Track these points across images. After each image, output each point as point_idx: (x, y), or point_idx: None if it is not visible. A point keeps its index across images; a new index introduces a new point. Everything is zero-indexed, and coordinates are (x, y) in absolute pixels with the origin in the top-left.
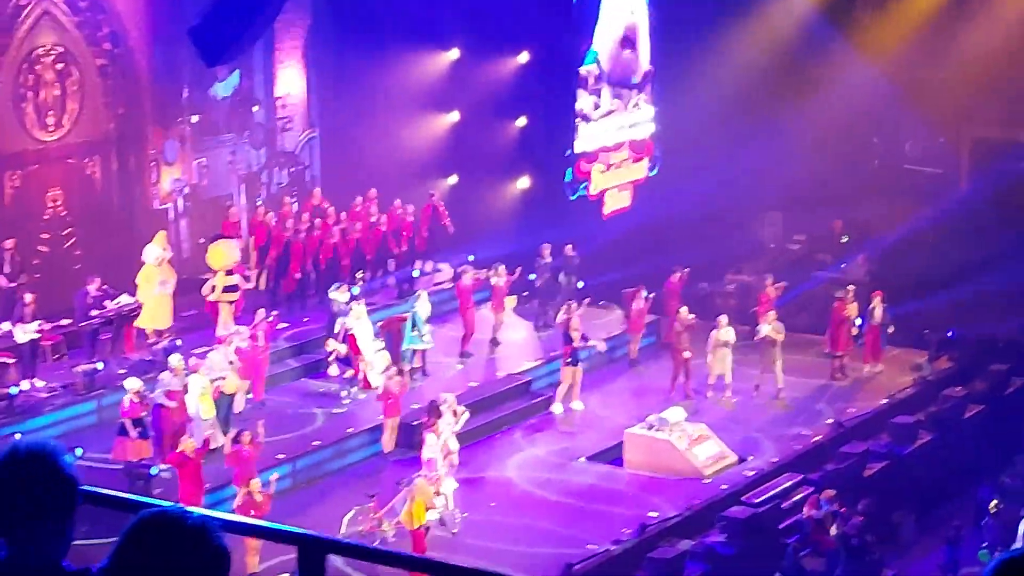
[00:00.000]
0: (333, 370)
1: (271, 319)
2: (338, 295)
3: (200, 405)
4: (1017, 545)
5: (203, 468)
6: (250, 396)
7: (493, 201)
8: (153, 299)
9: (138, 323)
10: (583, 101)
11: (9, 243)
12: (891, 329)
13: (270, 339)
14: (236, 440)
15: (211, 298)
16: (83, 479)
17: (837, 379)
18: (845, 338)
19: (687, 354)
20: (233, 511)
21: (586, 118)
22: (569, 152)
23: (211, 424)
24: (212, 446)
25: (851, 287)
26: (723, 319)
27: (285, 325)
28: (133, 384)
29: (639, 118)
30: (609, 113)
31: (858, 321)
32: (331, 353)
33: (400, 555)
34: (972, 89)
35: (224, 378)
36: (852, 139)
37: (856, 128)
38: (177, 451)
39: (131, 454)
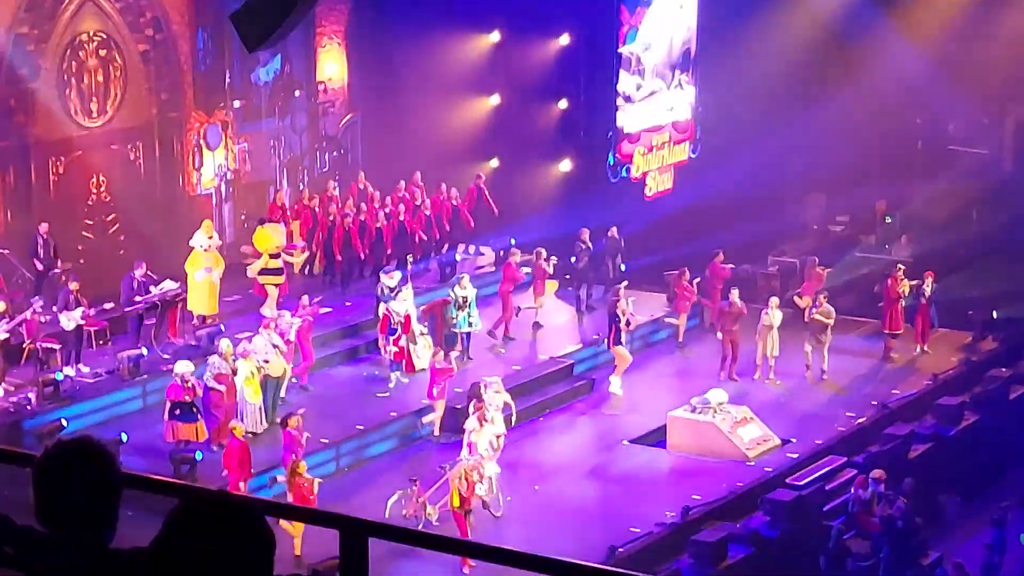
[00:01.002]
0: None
1: (314, 305)
2: (388, 279)
3: (246, 389)
4: None
5: (250, 451)
6: (294, 380)
7: (534, 184)
8: (199, 284)
9: (189, 307)
10: (625, 82)
11: (44, 227)
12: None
13: (314, 325)
14: (284, 423)
15: (260, 280)
16: (128, 464)
17: (891, 359)
18: (899, 317)
19: (726, 335)
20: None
21: (628, 99)
22: (611, 134)
23: (258, 408)
24: (256, 430)
25: (902, 266)
26: (774, 300)
27: (328, 310)
28: (183, 367)
29: (681, 99)
30: (652, 94)
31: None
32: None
33: (441, 539)
34: (1017, 69)
35: (268, 362)
36: (895, 120)
37: (899, 109)
38: (229, 433)
39: (178, 435)
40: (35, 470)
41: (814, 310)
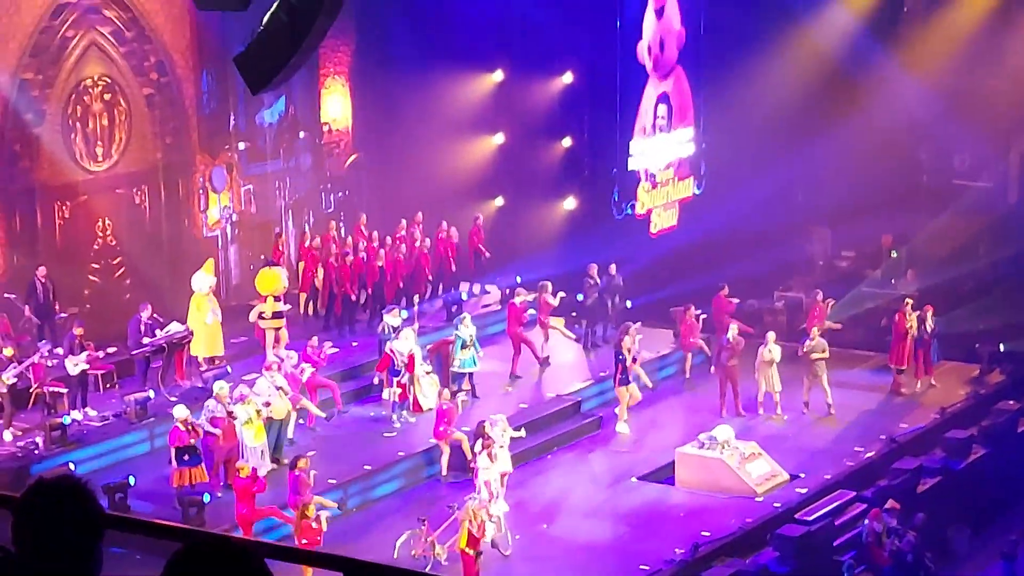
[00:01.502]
0: (386, 394)
1: (322, 346)
2: (391, 318)
3: (246, 432)
4: None
5: (256, 480)
6: (302, 422)
7: (540, 222)
8: (205, 327)
9: (192, 351)
10: (643, 118)
11: (42, 271)
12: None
13: (322, 365)
14: (293, 465)
15: (262, 324)
16: (136, 508)
17: (903, 394)
18: (906, 351)
19: (727, 371)
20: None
21: (635, 135)
22: (615, 171)
23: (260, 450)
24: (260, 473)
25: (909, 300)
26: (770, 336)
27: (335, 350)
28: (181, 412)
29: (684, 137)
30: (660, 131)
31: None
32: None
33: None
34: (1021, 101)
35: (269, 404)
36: (900, 153)
37: (903, 142)
38: (236, 478)
39: (181, 481)
40: (16, 509)
41: (807, 343)
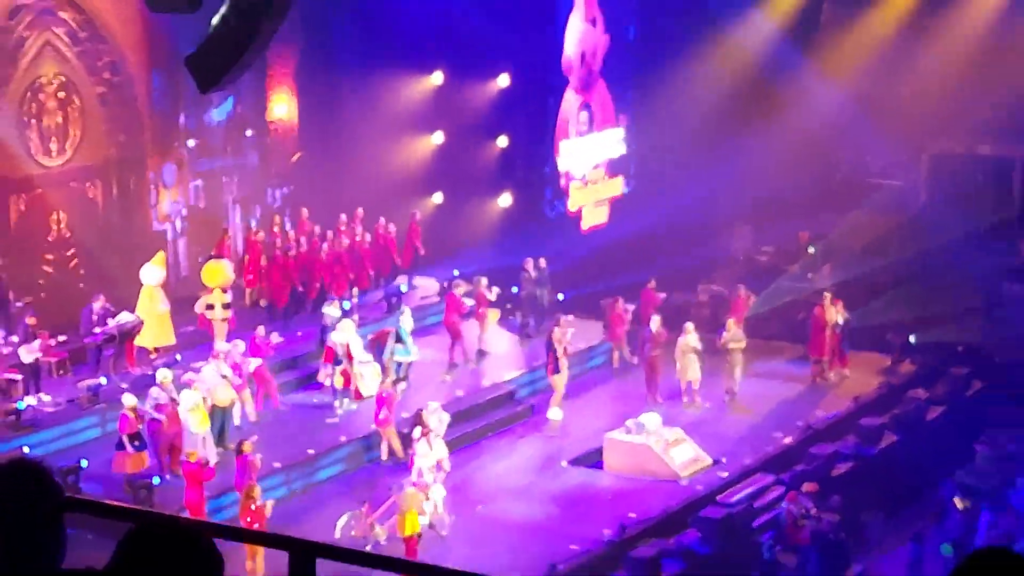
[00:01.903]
0: (324, 380)
1: (268, 338)
2: (330, 310)
3: (191, 418)
4: (977, 538)
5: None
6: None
7: (476, 218)
8: (155, 318)
9: (140, 341)
10: (567, 122)
11: None
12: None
13: (265, 355)
14: (239, 450)
15: (208, 315)
16: (88, 490)
17: (818, 382)
18: (825, 343)
19: (649, 361)
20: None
21: (567, 136)
22: (548, 170)
23: (203, 437)
24: (207, 460)
25: (828, 294)
26: (689, 326)
27: (280, 340)
28: (129, 400)
29: (613, 137)
30: (587, 132)
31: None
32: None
33: (387, 559)
34: (930, 106)
35: (214, 392)
36: (817, 155)
37: (821, 144)
38: (183, 460)
39: (129, 467)
40: None
41: (724, 334)
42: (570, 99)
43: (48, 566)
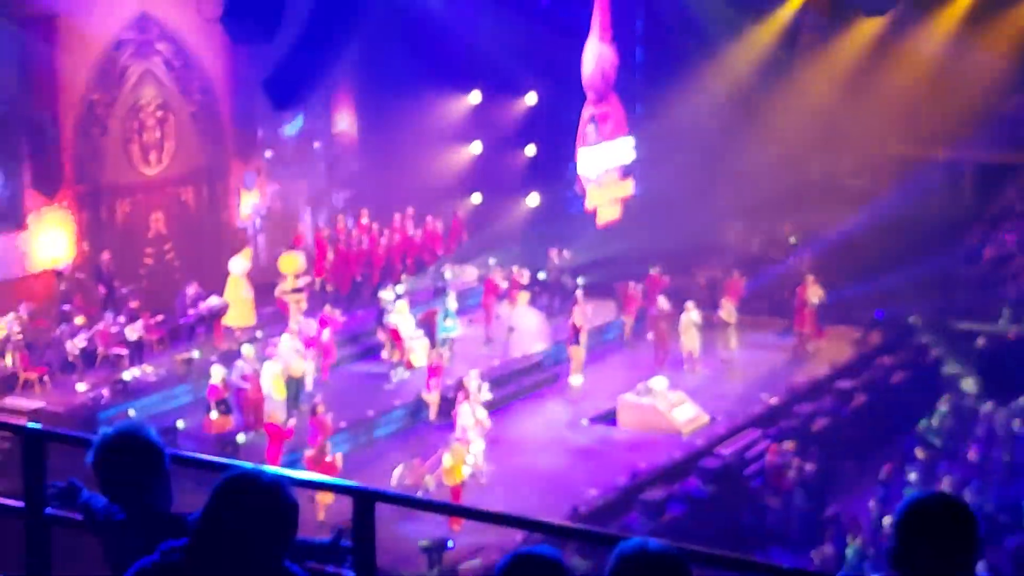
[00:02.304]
0: (384, 354)
1: (335, 313)
2: (386, 294)
3: (272, 385)
4: (936, 483)
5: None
6: (317, 377)
7: (509, 215)
8: (240, 302)
9: (227, 321)
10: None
11: (105, 255)
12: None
13: (335, 330)
14: (313, 411)
15: (285, 298)
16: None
17: (800, 352)
18: (807, 317)
19: (656, 334)
20: (305, 466)
21: (585, 144)
22: (570, 173)
23: (282, 403)
24: (284, 421)
25: (810, 276)
26: (690, 304)
27: (344, 319)
28: (217, 371)
29: (624, 145)
30: (601, 140)
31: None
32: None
33: (437, 503)
34: (893, 117)
35: (290, 364)
36: (798, 159)
37: (801, 150)
38: (268, 422)
39: (216, 428)
40: (92, 459)
41: (720, 312)
42: (588, 111)
43: (162, 508)
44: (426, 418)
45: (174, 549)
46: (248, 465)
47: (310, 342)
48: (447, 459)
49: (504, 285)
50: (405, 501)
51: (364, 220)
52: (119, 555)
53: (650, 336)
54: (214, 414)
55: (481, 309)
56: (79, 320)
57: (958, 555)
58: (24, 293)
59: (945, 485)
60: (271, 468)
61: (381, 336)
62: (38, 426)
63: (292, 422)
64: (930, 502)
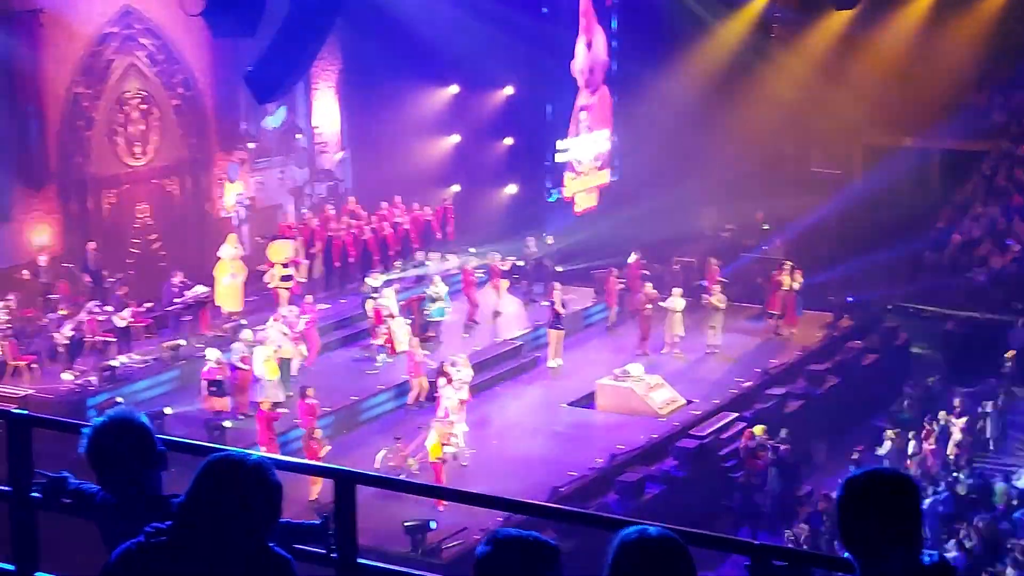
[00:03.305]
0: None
1: (313, 304)
2: (372, 280)
3: (265, 368)
4: (908, 464)
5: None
6: (302, 362)
7: (488, 204)
8: (225, 287)
9: (218, 303)
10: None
11: (91, 246)
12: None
13: (314, 319)
14: (303, 395)
15: (271, 285)
16: (171, 431)
17: (773, 336)
18: (778, 300)
19: (641, 319)
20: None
21: (564, 135)
22: (547, 163)
23: (275, 384)
24: (278, 399)
25: (789, 262)
26: (676, 291)
27: (327, 306)
28: (213, 354)
29: (602, 136)
30: (581, 133)
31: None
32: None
33: (417, 485)
34: (864, 106)
35: (280, 347)
36: (770, 148)
37: (773, 139)
38: (252, 414)
39: (212, 407)
40: (85, 448)
41: (710, 297)
42: (580, 101)
43: (148, 494)
44: (416, 399)
45: (159, 531)
46: (233, 449)
47: (293, 327)
48: (430, 437)
49: (480, 274)
50: (386, 483)
51: (351, 207)
52: (116, 537)
53: (638, 319)
54: (207, 394)
55: (463, 296)
56: (63, 311)
57: (900, 525)
58: (11, 283)
59: (914, 465)
60: (255, 451)
61: (375, 323)
62: (23, 412)
63: (283, 410)
64: (865, 478)
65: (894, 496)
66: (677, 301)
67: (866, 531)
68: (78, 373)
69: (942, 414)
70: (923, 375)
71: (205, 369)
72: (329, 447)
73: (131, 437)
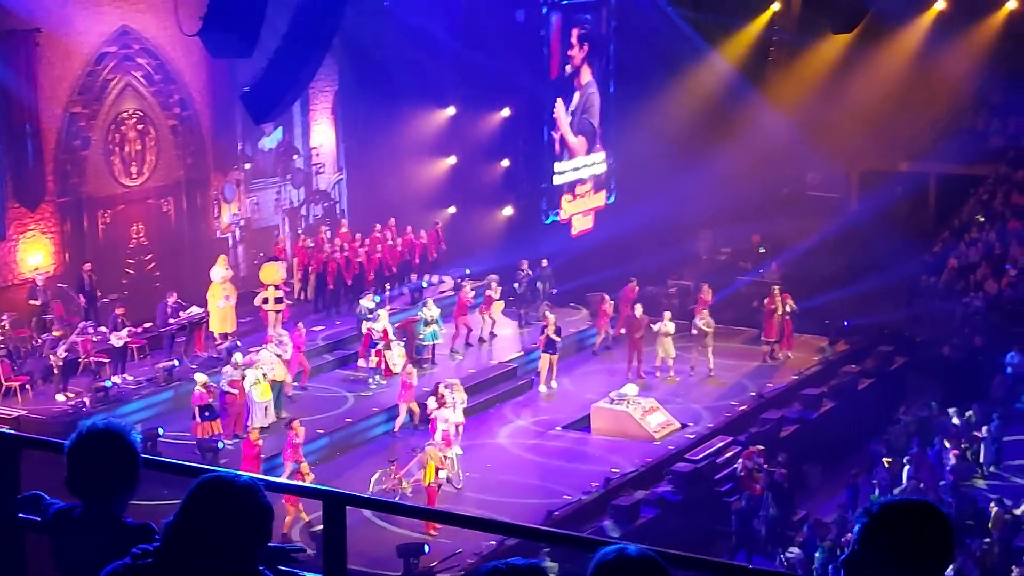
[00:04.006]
0: (361, 362)
1: (301, 330)
2: (366, 302)
3: (255, 390)
4: (900, 488)
5: (260, 445)
6: (296, 384)
7: (484, 226)
8: (219, 309)
9: (211, 328)
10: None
11: (87, 267)
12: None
13: (306, 342)
14: (289, 425)
15: (265, 308)
16: (164, 453)
17: (768, 361)
18: (775, 327)
19: (632, 342)
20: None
21: (559, 158)
22: (544, 185)
23: (265, 406)
24: (264, 424)
25: (777, 287)
26: (666, 315)
27: (321, 328)
28: (201, 378)
29: (597, 159)
30: (574, 155)
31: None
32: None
33: (407, 506)
34: (859, 132)
35: (273, 370)
36: (766, 171)
37: (768, 162)
38: (245, 437)
39: (203, 433)
40: (70, 444)
41: (698, 321)
42: (563, 130)
43: (116, 517)
44: (404, 424)
45: (145, 552)
46: (222, 470)
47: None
48: (423, 460)
49: (471, 296)
50: (374, 504)
51: (344, 229)
52: (70, 554)
53: (628, 343)
54: (198, 420)
55: (453, 320)
56: (57, 332)
57: (929, 560)
58: (5, 303)
59: (910, 490)
60: (245, 473)
61: (363, 346)
62: (11, 431)
63: (268, 423)
64: (903, 506)
65: (929, 530)
66: (667, 324)
67: (889, 562)
68: (72, 395)
69: (937, 439)
70: (918, 400)
71: (195, 394)
72: (313, 477)
73: (116, 451)
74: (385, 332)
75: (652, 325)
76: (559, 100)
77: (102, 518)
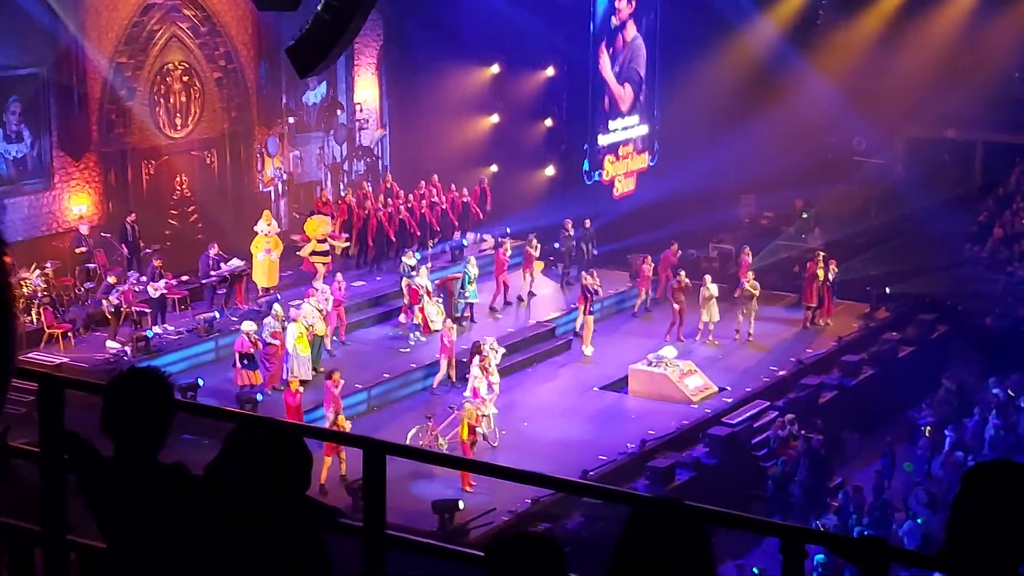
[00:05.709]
0: (402, 318)
1: (341, 283)
2: (408, 259)
3: (297, 344)
4: (943, 457)
5: (301, 395)
6: (335, 338)
7: (526, 185)
8: (261, 263)
9: (254, 279)
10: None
11: (131, 217)
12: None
13: (346, 296)
14: (329, 376)
15: (308, 257)
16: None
17: (808, 327)
18: (816, 293)
19: (677, 306)
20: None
21: (608, 116)
22: (586, 146)
23: (307, 360)
24: (307, 377)
25: (821, 253)
26: (708, 278)
27: (362, 283)
28: (248, 326)
29: (639, 122)
30: (620, 115)
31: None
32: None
33: (445, 456)
34: (905, 97)
35: (313, 325)
36: (811, 136)
37: (813, 128)
38: (284, 388)
39: (242, 381)
40: (106, 387)
41: (744, 284)
42: (607, 78)
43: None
44: (443, 381)
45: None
46: (261, 416)
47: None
48: (460, 417)
49: (508, 255)
50: (414, 454)
51: (388, 185)
52: (99, 492)
53: (675, 306)
54: (239, 366)
55: (495, 278)
56: (111, 279)
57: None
58: (50, 251)
59: (947, 460)
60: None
61: (409, 301)
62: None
63: (308, 377)
64: (1001, 467)
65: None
66: (710, 288)
67: (990, 521)
68: (125, 340)
69: (977, 410)
70: (960, 369)
71: (239, 340)
72: (351, 428)
73: (152, 394)
74: (426, 289)
75: (696, 288)
76: (603, 48)
77: (135, 459)
